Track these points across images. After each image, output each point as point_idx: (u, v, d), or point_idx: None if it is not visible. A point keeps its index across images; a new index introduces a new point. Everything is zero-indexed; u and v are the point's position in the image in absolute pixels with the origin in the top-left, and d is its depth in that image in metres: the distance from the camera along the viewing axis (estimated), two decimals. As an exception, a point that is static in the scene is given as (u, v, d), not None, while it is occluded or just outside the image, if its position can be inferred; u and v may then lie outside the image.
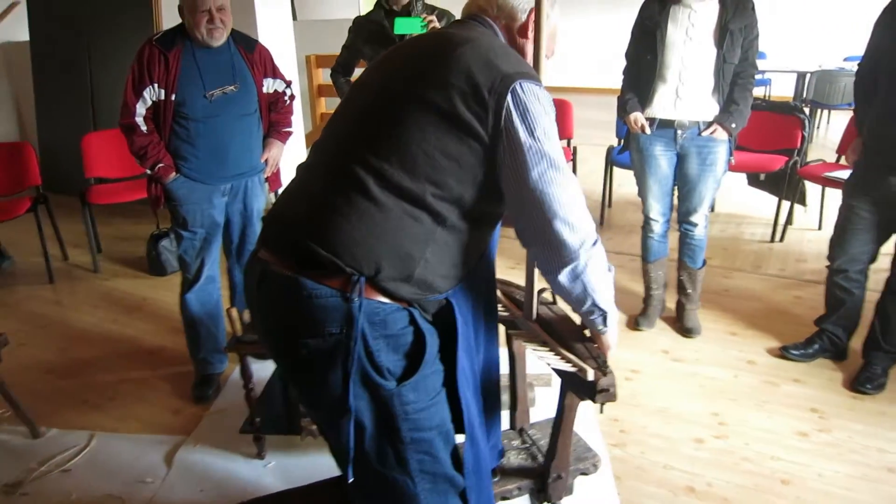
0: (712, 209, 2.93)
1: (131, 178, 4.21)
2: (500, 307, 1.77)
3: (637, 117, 2.83)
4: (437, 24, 2.92)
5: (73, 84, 5.31)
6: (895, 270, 2.58)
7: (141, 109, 2.40)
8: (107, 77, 5.09)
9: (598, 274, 1.30)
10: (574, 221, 1.24)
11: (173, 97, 2.40)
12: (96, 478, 2.31)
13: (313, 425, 2.19)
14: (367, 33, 3.18)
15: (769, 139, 4.21)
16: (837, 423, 2.47)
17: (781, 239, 4.28)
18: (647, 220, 3.07)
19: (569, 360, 1.50)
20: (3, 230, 4.10)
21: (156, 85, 2.38)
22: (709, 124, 2.75)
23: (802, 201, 4.47)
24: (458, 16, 1.58)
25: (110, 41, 5.09)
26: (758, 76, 2.78)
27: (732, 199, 5.01)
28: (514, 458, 1.96)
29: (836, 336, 2.82)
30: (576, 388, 1.57)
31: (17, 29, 5.45)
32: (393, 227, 1.22)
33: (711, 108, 2.75)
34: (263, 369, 2.70)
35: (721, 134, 2.74)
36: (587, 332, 1.58)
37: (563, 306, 1.67)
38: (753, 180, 4.56)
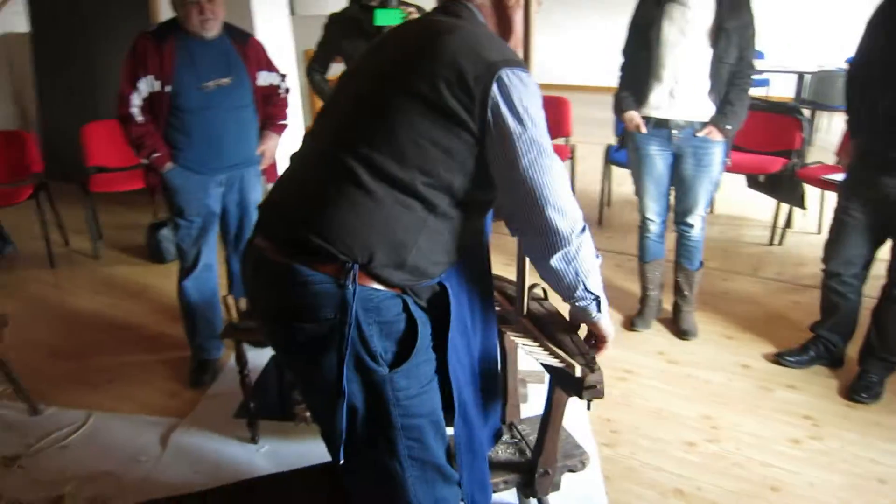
0: (711, 210, 2.91)
1: (131, 167, 4.23)
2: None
3: (632, 116, 2.81)
4: (416, 15, 2.92)
5: (75, 74, 5.33)
6: (892, 277, 2.54)
7: (136, 100, 2.42)
8: (108, 67, 5.09)
9: (589, 260, 1.31)
10: (565, 207, 1.24)
11: (168, 88, 2.42)
12: (92, 455, 2.34)
13: (307, 413, 2.20)
14: (344, 29, 3.16)
15: (768, 140, 4.19)
16: (830, 431, 2.44)
17: (780, 242, 4.27)
18: (643, 220, 3.06)
19: (557, 356, 1.50)
20: (4, 216, 4.13)
21: (151, 76, 2.41)
22: (704, 125, 2.74)
23: (801, 204, 4.45)
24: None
25: (111, 31, 5.09)
26: (756, 77, 2.75)
27: (732, 201, 4.98)
28: (502, 453, 1.96)
29: (831, 343, 2.79)
30: (563, 383, 1.57)
31: (17, 21, 5.52)
32: (385, 215, 1.23)
33: (707, 109, 2.73)
34: (259, 357, 2.72)
35: (716, 135, 2.72)
36: (583, 329, 1.55)
37: (555, 301, 1.67)
38: (752, 182, 4.54)
